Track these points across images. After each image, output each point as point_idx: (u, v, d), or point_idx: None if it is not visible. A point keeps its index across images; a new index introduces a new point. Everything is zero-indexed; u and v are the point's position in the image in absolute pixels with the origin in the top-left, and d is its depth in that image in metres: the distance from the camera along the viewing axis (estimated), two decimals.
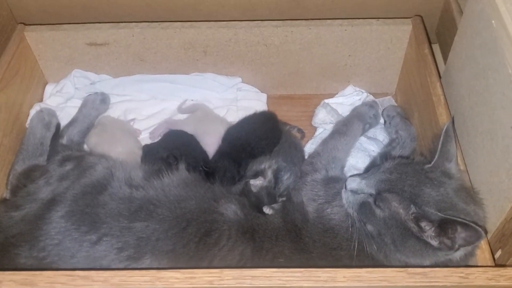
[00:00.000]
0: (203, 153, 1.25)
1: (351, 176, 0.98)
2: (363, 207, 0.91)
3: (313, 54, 1.34)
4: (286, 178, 1.11)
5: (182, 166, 1.09)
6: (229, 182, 1.12)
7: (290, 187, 1.11)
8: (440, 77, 1.19)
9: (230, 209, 0.99)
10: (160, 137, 1.32)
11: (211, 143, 1.25)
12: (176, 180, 1.06)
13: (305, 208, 1.03)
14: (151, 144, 1.31)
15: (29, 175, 1.12)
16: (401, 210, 0.88)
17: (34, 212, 0.98)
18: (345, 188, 0.95)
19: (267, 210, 1.01)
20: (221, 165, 1.15)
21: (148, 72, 1.39)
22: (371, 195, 0.91)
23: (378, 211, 0.90)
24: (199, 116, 1.32)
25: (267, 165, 1.11)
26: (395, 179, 0.91)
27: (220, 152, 1.21)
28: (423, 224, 0.86)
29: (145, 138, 1.33)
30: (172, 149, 1.19)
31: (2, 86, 1.20)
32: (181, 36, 1.29)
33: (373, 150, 1.29)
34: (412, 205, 0.87)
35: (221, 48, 1.32)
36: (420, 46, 1.24)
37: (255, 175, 1.08)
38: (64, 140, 1.27)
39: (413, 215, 0.87)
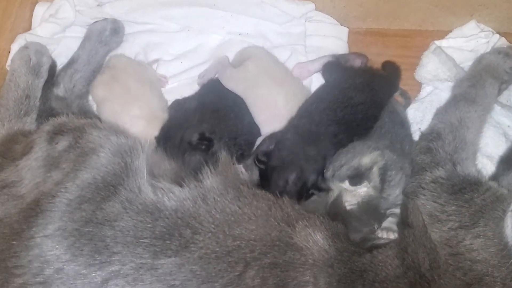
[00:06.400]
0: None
1: None
2: None
3: None
4: (397, 182, 0.76)
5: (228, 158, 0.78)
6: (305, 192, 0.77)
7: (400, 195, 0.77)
8: None
9: (315, 241, 0.69)
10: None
11: (265, 118, 0.92)
12: (223, 182, 0.74)
13: (430, 236, 0.71)
14: (183, 101, 0.98)
15: (7, 149, 0.88)
16: None
17: (9, 222, 0.73)
18: None
19: (386, 233, 0.70)
20: (292, 159, 0.79)
21: None
22: None
23: None
24: (251, 69, 0.97)
25: (371, 159, 0.76)
26: None
27: (292, 138, 0.82)
28: None
29: (173, 89, 1.06)
30: (205, 124, 0.86)
31: None
32: None
33: (509, 126, 0.97)
34: None
35: None
36: None
37: (356, 178, 0.74)
38: (60, 90, 1.03)
39: None
